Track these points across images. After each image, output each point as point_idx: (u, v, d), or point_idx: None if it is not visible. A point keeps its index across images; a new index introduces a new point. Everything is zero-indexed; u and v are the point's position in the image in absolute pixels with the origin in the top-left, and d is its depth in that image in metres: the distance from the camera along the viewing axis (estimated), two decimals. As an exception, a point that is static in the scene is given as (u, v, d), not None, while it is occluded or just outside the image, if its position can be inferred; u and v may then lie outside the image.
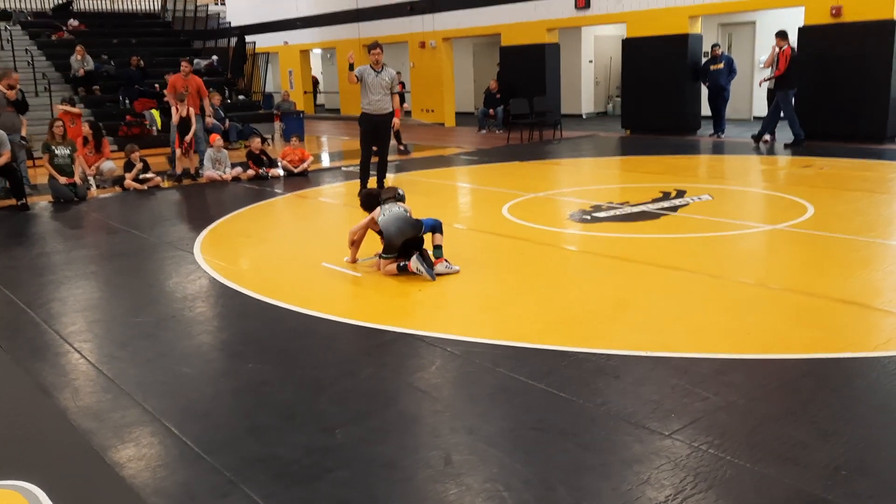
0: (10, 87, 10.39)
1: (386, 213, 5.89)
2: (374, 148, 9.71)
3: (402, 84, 23.89)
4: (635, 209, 8.05)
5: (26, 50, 17.74)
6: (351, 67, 9.19)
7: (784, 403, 3.50)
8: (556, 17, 17.80)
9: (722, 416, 3.37)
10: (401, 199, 6.12)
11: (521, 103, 16.72)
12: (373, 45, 9.36)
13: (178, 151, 11.82)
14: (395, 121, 9.91)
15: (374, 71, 9.26)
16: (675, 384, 3.69)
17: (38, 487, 2.96)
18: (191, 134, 11.81)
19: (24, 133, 10.68)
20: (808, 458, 2.98)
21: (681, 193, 8.83)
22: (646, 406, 3.48)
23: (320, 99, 30.58)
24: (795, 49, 13.25)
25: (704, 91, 15.53)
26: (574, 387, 3.71)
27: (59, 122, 10.42)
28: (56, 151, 10.06)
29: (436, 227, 5.86)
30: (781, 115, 13.38)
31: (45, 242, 7.67)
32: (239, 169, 11.57)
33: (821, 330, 4.41)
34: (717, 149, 13.73)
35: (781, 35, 13.19)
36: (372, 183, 9.49)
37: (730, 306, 4.86)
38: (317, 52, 28.72)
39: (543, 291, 5.41)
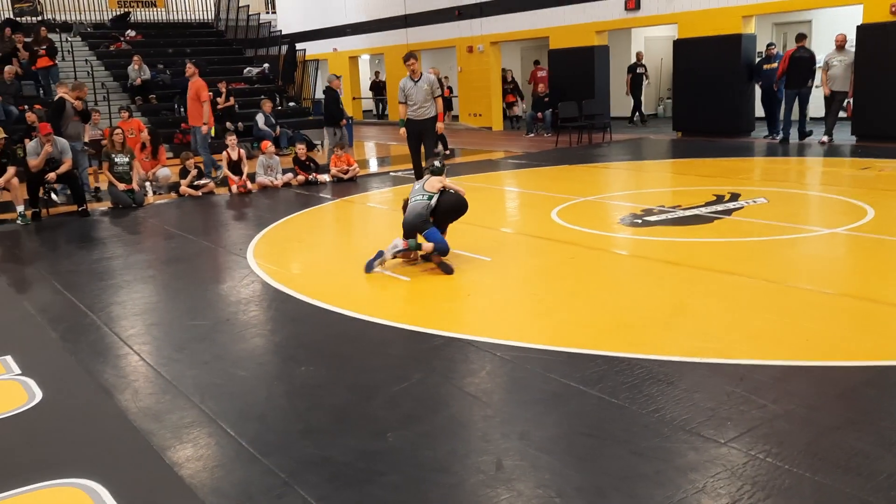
0: (79, 99, 10.80)
1: (414, 193, 6.32)
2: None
3: (450, 89, 24.02)
4: (687, 213, 7.93)
5: (86, 60, 18.32)
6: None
7: (845, 412, 3.41)
8: (606, 18, 17.65)
9: (780, 424, 3.30)
10: (437, 171, 6.37)
11: (569, 106, 16.61)
12: (406, 57, 9.85)
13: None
14: (439, 125, 10.19)
15: (412, 81, 9.80)
16: (732, 391, 3.63)
17: (101, 485, 3.05)
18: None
19: (86, 139, 11.12)
20: (870, 468, 2.89)
21: (735, 196, 8.67)
22: (701, 413, 3.42)
23: (368, 104, 30.63)
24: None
25: (758, 92, 15.23)
26: (627, 393, 3.67)
27: (119, 131, 10.73)
28: (115, 160, 10.36)
29: (437, 245, 6.03)
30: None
31: (105, 247, 7.90)
32: (290, 175, 11.74)
33: (883, 336, 4.28)
34: (772, 151, 13.44)
35: (796, 37, 14.00)
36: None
37: (787, 312, 4.75)
38: (365, 57, 29.00)
39: (594, 296, 5.37)
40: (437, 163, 6.47)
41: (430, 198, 6.23)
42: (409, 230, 6.21)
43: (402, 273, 6.12)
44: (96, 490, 3.01)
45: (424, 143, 10.10)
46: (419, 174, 10.05)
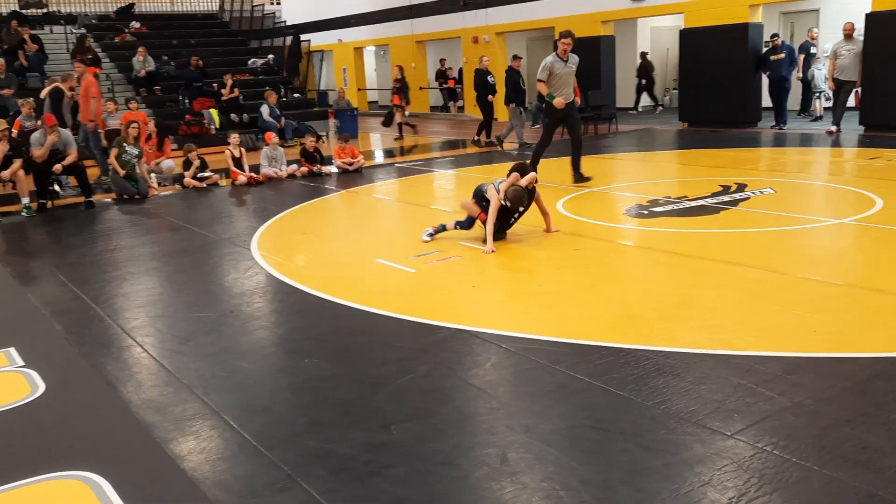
0: (71, 89, 10.82)
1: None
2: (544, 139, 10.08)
3: (454, 80, 23.87)
4: (694, 203, 7.88)
5: (91, 52, 18.29)
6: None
7: (855, 405, 3.37)
8: (612, 8, 17.55)
9: (788, 416, 3.26)
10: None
11: (575, 97, 16.49)
12: (564, 34, 9.10)
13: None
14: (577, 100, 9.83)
15: (563, 61, 9.13)
16: (739, 383, 3.59)
17: (102, 478, 3.03)
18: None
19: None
20: (880, 462, 2.86)
21: (741, 187, 8.61)
22: (707, 405, 3.39)
23: (373, 95, 30.37)
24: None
25: (765, 82, 15.13)
26: (633, 385, 3.64)
27: (136, 124, 10.73)
28: (126, 149, 10.34)
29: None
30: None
31: (110, 239, 7.88)
32: (294, 166, 11.71)
33: (893, 328, 4.24)
34: (779, 141, 13.35)
35: None
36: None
37: (795, 304, 4.70)
38: (370, 49, 28.92)
39: (601, 288, 5.34)
40: (508, 204, 6.53)
41: (497, 188, 6.56)
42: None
43: (406, 265, 6.09)
44: (98, 482, 3.00)
45: (570, 124, 9.68)
46: (539, 156, 9.97)
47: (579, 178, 9.54)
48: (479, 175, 11.23)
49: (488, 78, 14.72)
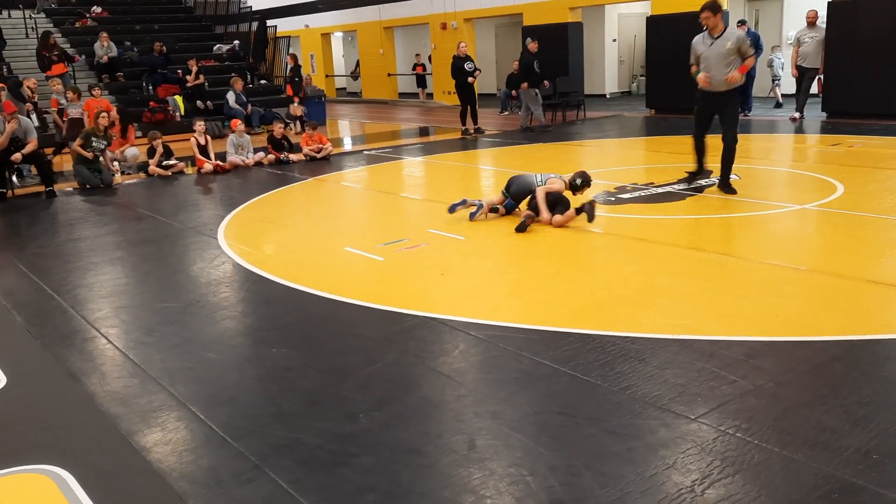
0: (28, 88, 10.62)
1: (530, 174, 7.11)
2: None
3: (423, 66, 23.75)
4: (660, 190, 7.96)
5: (51, 37, 17.86)
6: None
7: (814, 387, 3.44)
8: (579, -5, 17.60)
9: (750, 400, 3.32)
10: (575, 186, 6.90)
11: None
12: (706, 6, 7.29)
13: None
14: (735, 74, 7.32)
15: (710, 38, 7.39)
16: (702, 368, 3.65)
17: (66, 471, 3.00)
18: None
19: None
20: (838, 443, 2.93)
21: (707, 173, 8.69)
22: (671, 390, 3.44)
23: (341, 82, 30.11)
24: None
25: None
26: (599, 371, 3.68)
27: (105, 114, 10.51)
28: (92, 143, 10.13)
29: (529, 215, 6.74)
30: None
31: (72, 229, 7.75)
32: (261, 154, 11.60)
33: (851, 312, 4.33)
34: (744, 128, 13.45)
35: None
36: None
37: (758, 288, 4.78)
38: (338, 35, 28.69)
39: (568, 274, 5.38)
40: (578, 181, 6.90)
41: (543, 182, 6.86)
42: (515, 194, 7.01)
43: (374, 253, 6.08)
44: (62, 476, 2.96)
45: (723, 119, 7.67)
46: (701, 150, 8.13)
47: (727, 188, 7.75)
48: (449, 162, 11.23)
49: (465, 65, 14.58)
